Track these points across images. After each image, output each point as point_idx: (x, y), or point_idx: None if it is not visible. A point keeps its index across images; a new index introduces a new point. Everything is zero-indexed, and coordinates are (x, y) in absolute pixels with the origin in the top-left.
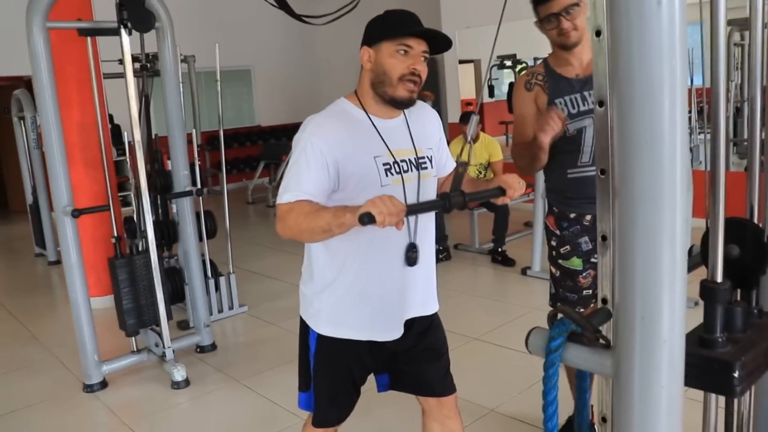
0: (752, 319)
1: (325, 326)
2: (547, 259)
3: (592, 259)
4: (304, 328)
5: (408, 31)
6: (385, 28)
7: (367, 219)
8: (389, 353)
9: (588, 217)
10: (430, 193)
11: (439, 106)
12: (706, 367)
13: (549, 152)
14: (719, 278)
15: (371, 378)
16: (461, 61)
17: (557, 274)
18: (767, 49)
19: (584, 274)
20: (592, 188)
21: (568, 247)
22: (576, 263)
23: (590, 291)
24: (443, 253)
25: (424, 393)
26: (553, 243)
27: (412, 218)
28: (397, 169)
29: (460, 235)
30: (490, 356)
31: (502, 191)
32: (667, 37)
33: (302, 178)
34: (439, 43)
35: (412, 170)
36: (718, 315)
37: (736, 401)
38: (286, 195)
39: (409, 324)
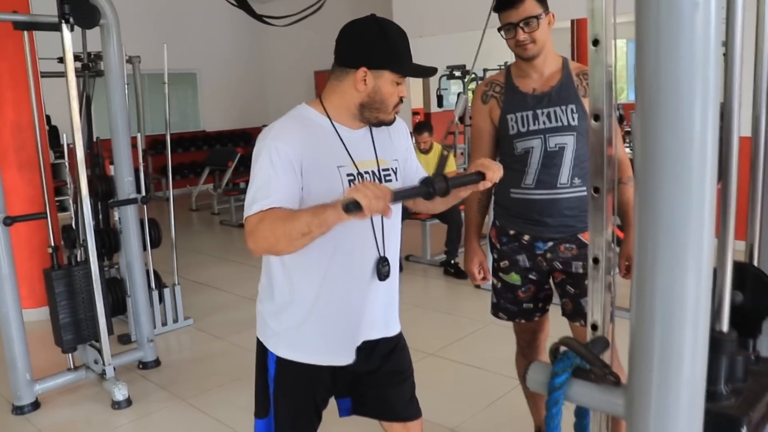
0: (750, 365)
1: (284, 349)
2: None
3: (530, 276)
4: (262, 349)
5: (416, 72)
6: (393, 59)
7: (353, 207)
8: (352, 376)
9: (526, 237)
10: (395, 208)
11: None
12: (712, 422)
13: (498, 162)
14: (725, 328)
15: (332, 402)
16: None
17: (498, 286)
18: None
19: (523, 289)
20: (533, 210)
21: (506, 261)
22: (515, 278)
23: (530, 305)
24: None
25: (389, 418)
26: (495, 256)
27: (379, 230)
28: (361, 181)
29: (411, 245)
30: (447, 372)
31: (481, 176)
32: (701, 46)
33: (271, 187)
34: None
35: (381, 181)
36: (723, 367)
37: None
38: (254, 206)
39: (373, 345)
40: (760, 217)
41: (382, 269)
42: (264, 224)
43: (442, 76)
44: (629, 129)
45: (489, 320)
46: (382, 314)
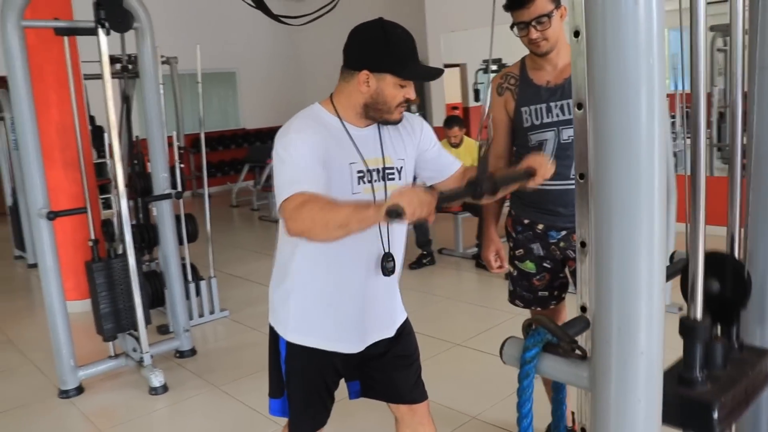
0: (732, 354)
1: (292, 334)
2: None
3: (545, 264)
4: (273, 333)
5: (417, 76)
6: (395, 63)
7: (395, 213)
8: (360, 359)
9: (540, 226)
10: None
11: (424, 110)
12: (685, 407)
13: (513, 156)
14: (699, 315)
15: (345, 385)
16: (446, 65)
17: (515, 274)
18: (748, 55)
19: (538, 277)
20: (546, 201)
21: (521, 250)
22: (530, 266)
23: (546, 293)
24: (427, 258)
25: (395, 400)
26: (511, 244)
27: (384, 227)
28: (369, 178)
29: (444, 239)
30: (472, 362)
31: (530, 173)
32: (644, 37)
33: (300, 172)
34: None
35: (380, 180)
36: (697, 353)
37: None
38: (290, 188)
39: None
40: (739, 207)
41: (386, 265)
42: (305, 208)
43: (479, 70)
44: (672, 119)
45: (519, 311)
46: (387, 309)
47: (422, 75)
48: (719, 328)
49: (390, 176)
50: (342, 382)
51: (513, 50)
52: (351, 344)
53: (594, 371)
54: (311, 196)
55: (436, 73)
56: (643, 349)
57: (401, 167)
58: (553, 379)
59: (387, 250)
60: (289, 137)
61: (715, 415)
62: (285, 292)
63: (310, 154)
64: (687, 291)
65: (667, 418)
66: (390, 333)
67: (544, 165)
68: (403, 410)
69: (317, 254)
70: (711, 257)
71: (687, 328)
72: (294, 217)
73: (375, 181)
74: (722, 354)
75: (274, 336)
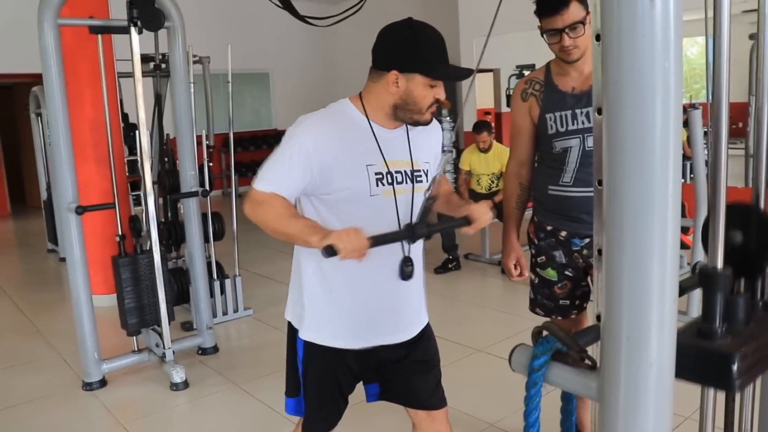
0: (756, 311)
1: (308, 332)
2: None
3: (567, 272)
4: (292, 331)
5: (447, 76)
6: (424, 64)
7: (329, 252)
8: (378, 362)
9: (563, 233)
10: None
11: (455, 114)
12: (703, 360)
13: (537, 161)
14: (719, 265)
15: (361, 388)
16: (479, 70)
17: (536, 281)
18: None
19: (560, 285)
20: (570, 207)
21: (543, 257)
22: (551, 274)
23: (567, 301)
24: (453, 263)
25: (414, 405)
26: (533, 251)
27: None
28: (390, 180)
29: (471, 244)
30: (493, 369)
31: (467, 221)
32: (660, 39)
33: (282, 174)
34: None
35: (406, 182)
36: (717, 304)
37: (737, 397)
38: (262, 183)
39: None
40: (766, 160)
41: (405, 269)
42: (262, 208)
43: (512, 75)
44: (706, 130)
45: (542, 320)
46: (406, 311)
47: (452, 75)
48: (742, 283)
49: (418, 179)
50: (360, 385)
51: (544, 56)
52: (363, 340)
53: (603, 382)
54: (274, 200)
55: (466, 73)
56: (653, 361)
57: (427, 170)
58: (562, 389)
59: (407, 254)
60: (296, 131)
61: (735, 368)
62: (300, 291)
63: (300, 158)
64: (707, 241)
65: (684, 373)
66: (407, 336)
67: (481, 216)
68: (422, 416)
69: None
70: (734, 208)
71: (707, 277)
72: (252, 208)
73: (399, 183)
74: (744, 309)
75: (291, 333)
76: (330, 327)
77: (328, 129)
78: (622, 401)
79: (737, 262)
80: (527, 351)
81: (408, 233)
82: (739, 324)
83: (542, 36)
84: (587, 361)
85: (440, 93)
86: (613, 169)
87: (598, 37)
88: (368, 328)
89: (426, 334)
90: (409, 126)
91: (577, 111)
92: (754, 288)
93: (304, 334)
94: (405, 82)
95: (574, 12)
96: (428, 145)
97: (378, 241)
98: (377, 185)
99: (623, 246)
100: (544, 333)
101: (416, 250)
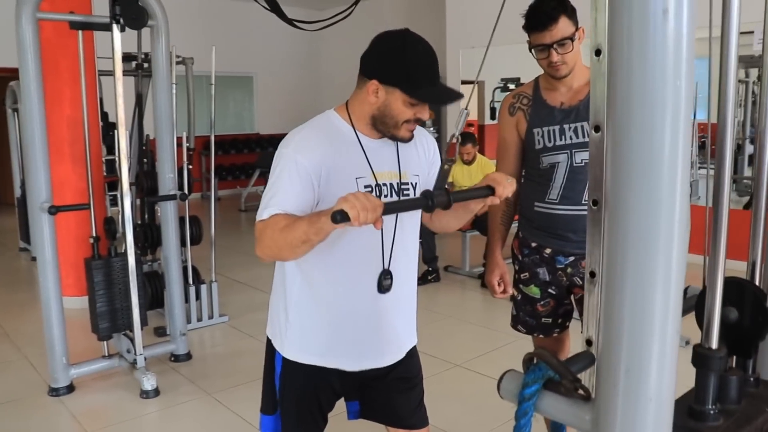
0: (748, 387)
1: (290, 350)
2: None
3: (550, 290)
4: (270, 348)
5: (428, 98)
6: (407, 80)
7: (339, 217)
8: (360, 380)
9: (548, 250)
10: (409, 223)
11: (440, 125)
12: None
13: (523, 177)
14: (714, 344)
15: (341, 405)
16: (464, 82)
17: (519, 298)
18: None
19: (542, 302)
20: (556, 225)
21: (527, 273)
22: (534, 291)
23: (549, 319)
24: (432, 275)
25: (395, 424)
26: (516, 267)
27: (388, 243)
28: (377, 193)
29: (451, 257)
30: (472, 384)
31: (490, 190)
32: (672, 53)
33: (285, 195)
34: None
35: (392, 196)
36: (711, 384)
37: None
38: (264, 212)
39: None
40: (763, 234)
41: (383, 282)
42: (266, 233)
43: (496, 88)
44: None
45: (521, 336)
46: (390, 330)
47: (435, 98)
48: (735, 359)
49: (405, 192)
50: (340, 402)
51: (529, 69)
52: (349, 361)
53: (598, 414)
54: (272, 219)
55: (454, 96)
56: (652, 395)
57: (416, 183)
58: (553, 419)
59: (385, 267)
60: (287, 152)
61: None
62: (283, 307)
63: (299, 175)
64: (702, 318)
65: None
66: (396, 358)
67: (503, 183)
68: None
69: (316, 269)
70: (730, 284)
71: (701, 357)
72: (260, 243)
73: (386, 196)
74: (737, 387)
75: (270, 350)
76: (314, 345)
77: (319, 142)
78: None
79: (731, 339)
80: (517, 378)
81: (425, 201)
82: (731, 402)
83: (530, 51)
84: (581, 392)
85: (422, 113)
86: (616, 189)
87: (598, 52)
88: (355, 348)
89: (410, 351)
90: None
91: (565, 126)
92: (745, 365)
93: (286, 352)
94: (384, 94)
95: (563, 28)
96: (418, 156)
97: (393, 207)
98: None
99: (625, 272)
100: (536, 360)
101: (400, 263)
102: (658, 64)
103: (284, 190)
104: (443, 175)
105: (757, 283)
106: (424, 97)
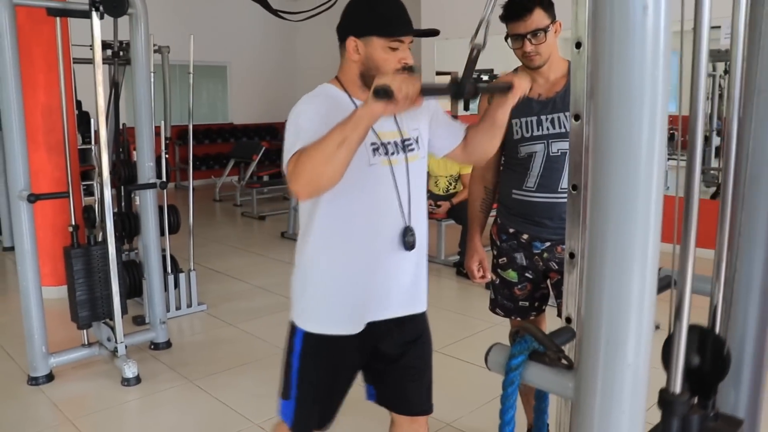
0: (708, 422)
1: (312, 323)
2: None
3: (527, 274)
4: (292, 329)
5: (403, 32)
6: (377, 24)
7: (382, 92)
8: (377, 357)
9: (525, 236)
10: (419, 176)
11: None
12: None
13: (502, 165)
14: (678, 389)
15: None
16: (438, 73)
17: (497, 282)
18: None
19: (520, 286)
20: (533, 212)
21: (505, 258)
22: (512, 275)
23: (526, 303)
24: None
25: (404, 412)
26: (495, 252)
27: (405, 199)
28: (384, 151)
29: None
30: (449, 370)
31: (510, 86)
32: (650, 47)
33: (307, 133)
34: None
35: (398, 152)
36: (674, 426)
37: None
38: (290, 153)
39: (401, 323)
40: (724, 278)
41: (408, 239)
42: (301, 159)
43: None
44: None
45: (497, 321)
46: (409, 287)
47: (408, 30)
48: (696, 398)
49: (410, 147)
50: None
51: (503, 61)
52: (379, 310)
53: (580, 381)
54: (303, 147)
55: (427, 32)
56: (630, 361)
57: (417, 137)
58: (538, 388)
59: (408, 224)
60: (299, 108)
61: None
62: (303, 280)
63: (317, 118)
64: (668, 363)
65: None
66: (414, 310)
67: (524, 84)
68: (405, 419)
69: (334, 231)
70: (692, 330)
71: (666, 402)
72: (296, 174)
73: (392, 153)
74: (698, 426)
75: (291, 331)
76: (330, 312)
77: (324, 104)
78: (599, 400)
79: (693, 381)
80: (504, 350)
81: (455, 89)
82: None
83: (506, 41)
84: (564, 361)
85: (405, 56)
86: (597, 173)
87: (578, 45)
88: (365, 302)
89: (424, 335)
90: None
91: (543, 117)
92: (705, 404)
93: (306, 325)
94: (364, 47)
95: (538, 19)
96: (414, 112)
97: (427, 90)
98: (374, 155)
99: (605, 249)
100: (521, 333)
101: (419, 221)
102: (637, 58)
103: (305, 129)
104: (471, 62)
105: (717, 329)
106: (397, 31)
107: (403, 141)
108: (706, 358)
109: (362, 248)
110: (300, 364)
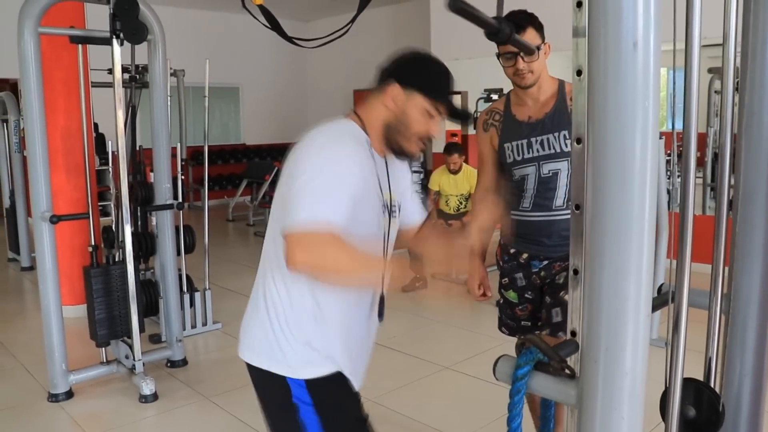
0: None
1: (312, 367)
2: None
3: (527, 295)
4: (280, 386)
5: (448, 102)
6: (430, 83)
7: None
8: None
9: (524, 255)
10: (392, 245)
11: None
12: None
13: (500, 188)
14: None
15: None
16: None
17: (501, 302)
18: (739, 99)
19: (521, 307)
20: (530, 231)
21: (507, 279)
22: (512, 296)
23: (528, 323)
24: (419, 281)
25: None
26: (499, 273)
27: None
28: (386, 210)
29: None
30: (460, 386)
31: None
32: (641, 79)
33: (335, 201)
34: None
35: (389, 214)
36: None
37: None
38: (315, 212)
39: None
40: (718, 334)
41: (382, 309)
42: (330, 249)
43: (480, 98)
44: (668, 157)
45: (506, 338)
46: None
47: (453, 108)
48: None
49: (393, 213)
50: None
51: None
52: (356, 380)
53: (582, 389)
54: (337, 236)
55: (467, 114)
56: (628, 370)
57: (400, 204)
58: (543, 396)
59: (383, 292)
60: (337, 151)
61: None
62: (279, 324)
63: (348, 185)
64: (665, 415)
65: None
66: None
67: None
68: None
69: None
70: (689, 384)
71: None
72: (309, 252)
73: (391, 213)
74: None
75: (281, 389)
76: (335, 352)
77: (357, 155)
78: (600, 407)
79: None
80: (511, 361)
81: (497, 25)
82: None
83: (498, 59)
84: (567, 371)
85: (435, 128)
86: (595, 194)
87: (579, 72)
88: (357, 368)
89: None
90: (394, 153)
91: (533, 139)
92: None
93: (314, 371)
94: (404, 99)
95: (530, 38)
96: (402, 178)
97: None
98: (383, 213)
99: (603, 265)
100: (527, 345)
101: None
102: (629, 88)
103: (334, 194)
104: (500, 1)
105: (712, 383)
106: (445, 101)
107: (391, 204)
108: (702, 412)
109: (350, 309)
110: (320, 416)
